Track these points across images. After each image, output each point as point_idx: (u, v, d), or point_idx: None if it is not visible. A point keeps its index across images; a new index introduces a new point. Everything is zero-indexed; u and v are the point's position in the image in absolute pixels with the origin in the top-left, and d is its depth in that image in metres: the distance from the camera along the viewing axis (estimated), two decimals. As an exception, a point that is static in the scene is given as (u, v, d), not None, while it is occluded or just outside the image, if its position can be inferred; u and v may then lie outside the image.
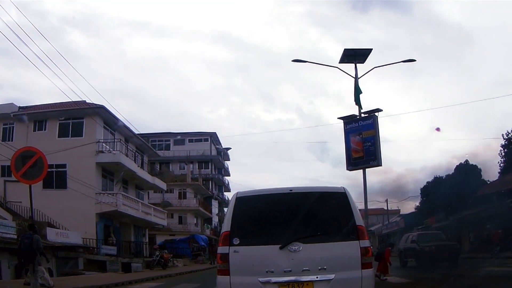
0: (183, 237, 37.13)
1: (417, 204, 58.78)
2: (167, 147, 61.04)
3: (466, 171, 37.58)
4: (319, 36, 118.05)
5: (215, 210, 55.95)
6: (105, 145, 25.78)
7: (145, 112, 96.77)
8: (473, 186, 33.33)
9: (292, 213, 4.93)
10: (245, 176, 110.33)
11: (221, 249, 4.82)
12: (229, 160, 69.40)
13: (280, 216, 5.00)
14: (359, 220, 4.92)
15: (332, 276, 4.62)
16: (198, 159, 58.96)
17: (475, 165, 38.14)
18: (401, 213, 54.01)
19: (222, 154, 64.06)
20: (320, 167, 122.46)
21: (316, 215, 4.94)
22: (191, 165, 59.65)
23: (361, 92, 14.91)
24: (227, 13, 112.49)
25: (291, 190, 5.14)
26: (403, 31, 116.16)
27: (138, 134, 41.77)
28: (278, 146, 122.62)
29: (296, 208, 4.93)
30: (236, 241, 4.76)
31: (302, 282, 4.61)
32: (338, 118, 15.59)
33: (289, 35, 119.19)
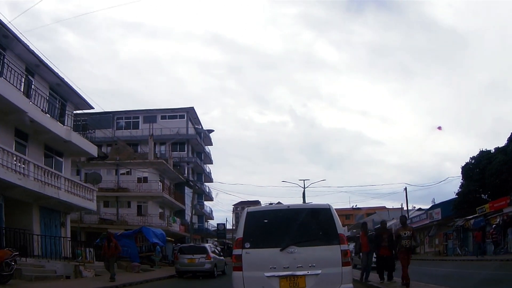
0: (127, 231, 26.07)
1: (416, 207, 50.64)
2: (136, 126, 50.40)
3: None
4: (313, 38, 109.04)
5: (189, 200, 44.86)
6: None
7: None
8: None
9: (289, 224, 6.45)
10: (238, 178, 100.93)
11: (236, 251, 6.31)
12: (211, 144, 58.67)
13: (280, 226, 6.49)
14: (340, 229, 6.41)
15: (319, 271, 6.10)
16: (171, 138, 47.89)
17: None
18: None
19: (202, 135, 53.21)
20: (313, 169, 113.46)
21: (308, 225, 6.46)
22: (162, 147, 48.91)
23: None
24: (220, 15, 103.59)
25: (289, 207, 6.86)
26: (397, 33, 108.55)
27: (100, 112, 31.05)
28: (271, 148, 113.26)
29: (292, 220, 6.46)
30: (247, 245, 6.27)
31: (297, 276, 6.07)
32: None
33: (283, 37, 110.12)
